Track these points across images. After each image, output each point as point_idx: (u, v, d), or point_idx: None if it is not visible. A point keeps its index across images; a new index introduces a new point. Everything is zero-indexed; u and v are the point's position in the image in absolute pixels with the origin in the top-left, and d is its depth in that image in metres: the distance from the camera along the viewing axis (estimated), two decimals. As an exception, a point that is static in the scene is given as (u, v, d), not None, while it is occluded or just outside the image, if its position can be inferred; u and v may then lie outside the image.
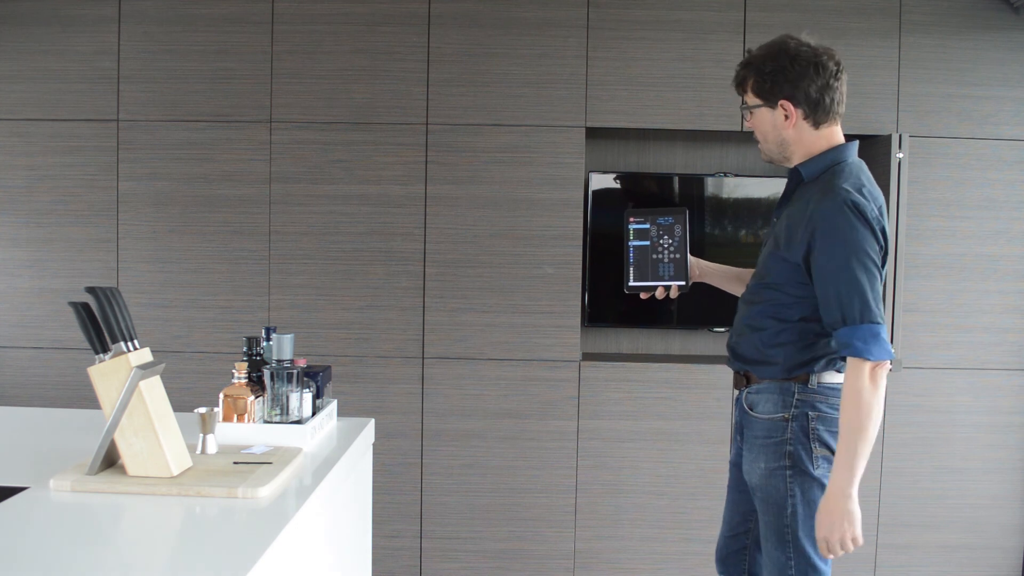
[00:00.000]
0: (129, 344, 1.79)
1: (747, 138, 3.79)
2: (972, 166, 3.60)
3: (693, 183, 3.76)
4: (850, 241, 1.98)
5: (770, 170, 3.82)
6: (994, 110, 3.60)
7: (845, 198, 1.99)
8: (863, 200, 2.00)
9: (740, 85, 2.17)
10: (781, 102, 2.09)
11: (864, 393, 1.96)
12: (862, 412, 1.96)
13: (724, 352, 3.80)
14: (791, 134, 2.12)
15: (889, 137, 3.49)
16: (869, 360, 1.96)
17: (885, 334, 1.99)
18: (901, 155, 3.47)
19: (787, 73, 2.07)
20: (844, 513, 1.97)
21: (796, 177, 2.16)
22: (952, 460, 3.65)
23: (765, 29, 3.55)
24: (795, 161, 2.16)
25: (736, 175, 3.76)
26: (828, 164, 2.11)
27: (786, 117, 2.10)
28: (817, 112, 2.09)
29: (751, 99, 2.15)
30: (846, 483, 1.97)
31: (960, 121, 3.60)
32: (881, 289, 2.02)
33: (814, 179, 2.11)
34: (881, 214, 2.04)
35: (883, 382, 1.98)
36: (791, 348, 2.10)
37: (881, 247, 2.02)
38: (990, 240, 3.62)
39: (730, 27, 3.58)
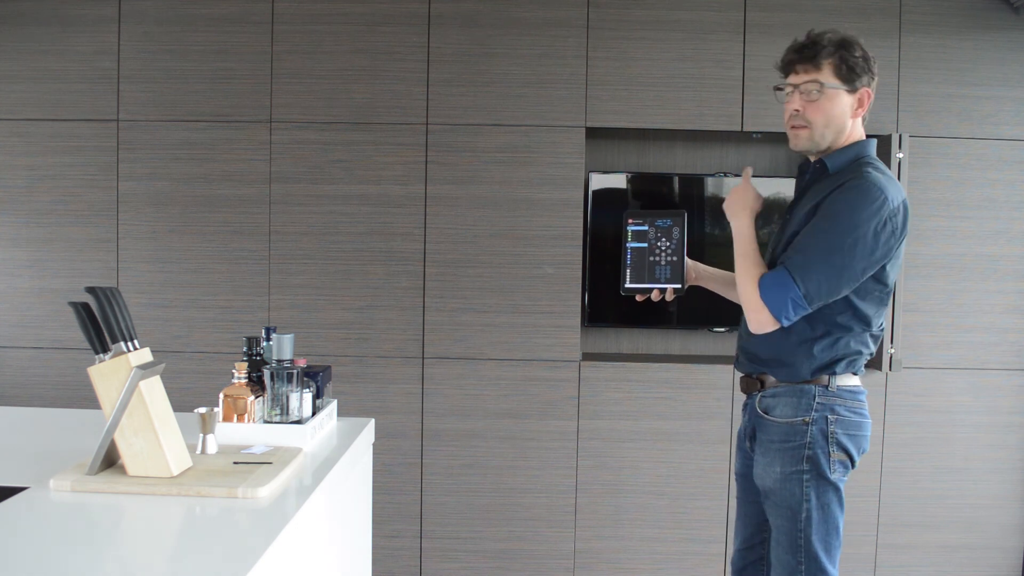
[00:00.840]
0: (129, 344, 1.79)
1: (747, 138, 3.79)
2: (972, 166, 3.60)
3: (693, 183, 3.76)
4: (848, 216, 1.98)
5: (769, 170, 3.82)
6: (994, 110, 3.60)
7: (873, 183, 2.00)
8: (890, 190, 2.01)
9: (812, 60, 2.09)
10: (865, 90, 2.11)
11: (742, 290, 2.08)
12: (737, 281, 2.12)
13: (724, 352, 3.84)
14: (850, 123, 2.13)
15: (889, 137, 3.49)
16: (759, 295, 2.02)
17: (793, 302, 2.00)
18: (901, 155, 3.47)
19: (870, 64, 2.12)
20: (743, 203, 2.19)
21: (818, 171, 2.15)
22: (952, 460, 3.64)
23: (765, 29, 3.56)
24: (827, 151, 2.15)
25: (736, 175, 3.76)
26: (853, 157, 2.12)
27: (859, 106, 2.12)
28: (870, 109, 2.16)
29: (828, 79, 2.09)
30: (738, 226, 2.17)
31: (960, 121, 3.59)
32: (838, 283, 2.01)
33: (839, 171, 2.11)
34: (903, 208, 2.04)
35: (750, 316, 2.07)
36: (816, 347, 2.09)
37: (894, 242, 2.03)
38: (990, 240, 3.62)
39: (730, 27, 3.58)
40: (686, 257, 2.25)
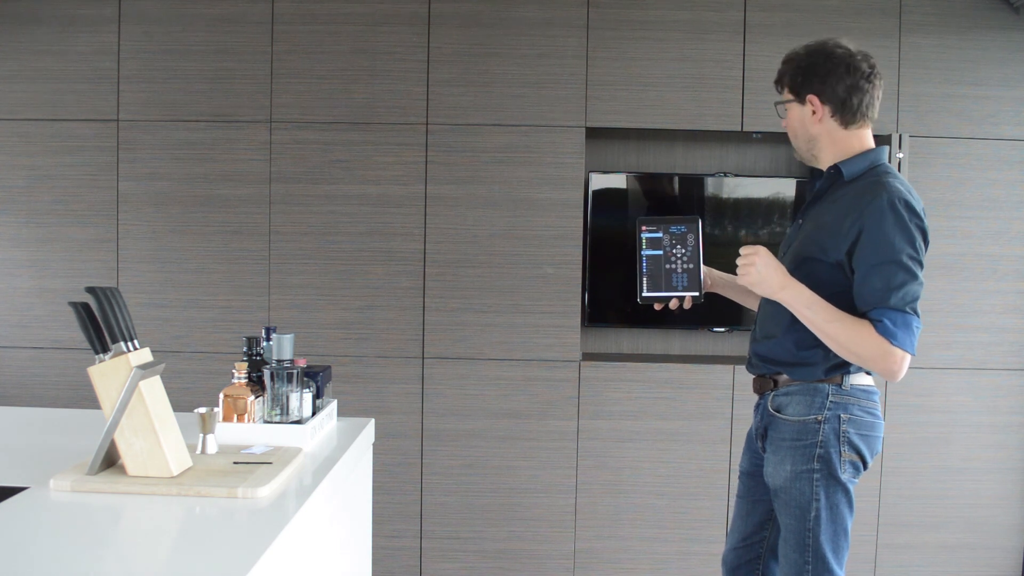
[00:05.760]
0: (129, 344, 1.79)
1: (747, 138, 3.79)
2: (972, 166, 3.60)
3: (693, 183, 3.76)
4: (899, 239, 1.99)
5: (770, 170, 3.82)
6: (994, 110, 3.60)
7: (899, 196, 2.01)
8: (913, 200, 2.03)
9: (779, 82, 2.19)
10: (809, 97, 2.12)
11: (866, 351, 1.98)
12: (844, 346, 2.01)
13: (724, 352, 3.85)
14: (818, 130, 2.14)
15: (889, 137, 3.49)
16: (892, 344, 1.96)
17: (916, 329, 1.99)
18: (901, 155, 3.47)
19: (818, 69, 2.11)
20: (779, 275, 2.04)
21: (834, 176, 2.15)
22: (952, 460, 3.64)
23: (765, 29, 3.56)
24: (825, 160, 2.16)
25: (736, 175, 3.76)
26: (869, 164, 2.12)
27: (813, 112, 2.13)
28: (844, 111, 2.11)
29: (785, 95, 2.18)
30: (794, 297, 2.03)
31: (960, 121, 3.59)
32: (922, 291, 2.03)
33: (855, 178, 2.12)
34: (924, 215, 2.06)
35: (892, 369, 1.97)
36: (829, 348, 2.08)
37: (925, 246, 2.05)
38: (990, 240, 3.62)
39: (730, 27, 3.58)
40: (702, 264, 2.19)
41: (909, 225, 2.00)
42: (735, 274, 2.15)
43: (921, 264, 2.01)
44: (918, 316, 2.00)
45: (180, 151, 3.61)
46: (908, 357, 1.99)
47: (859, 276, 2.02)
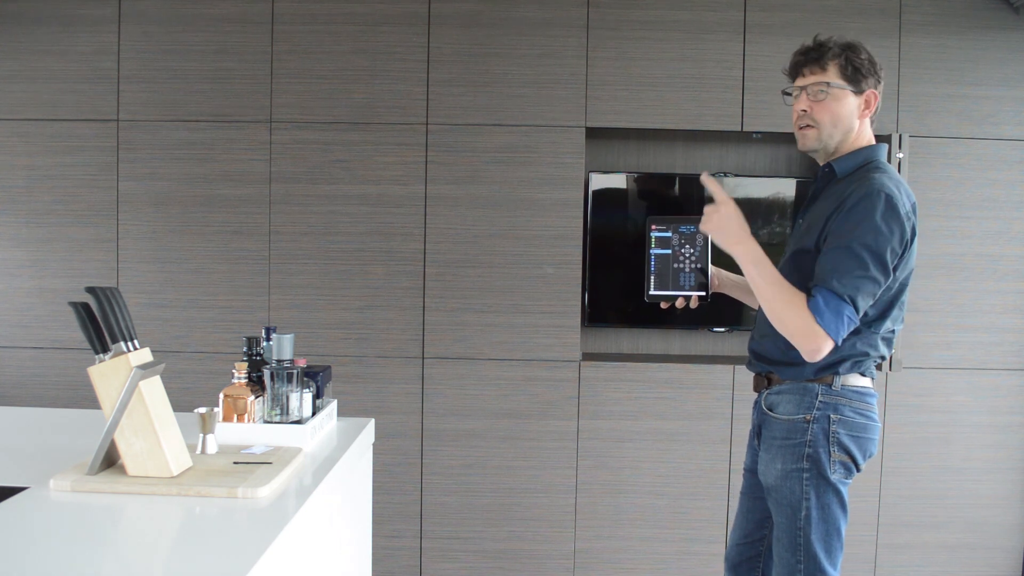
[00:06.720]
0: (129, 344, 1.79)
1: (747, 138, 3.79)
2: (972, 166, 3.60)
3: (693, 183, 3.76)
4: (863, 228, 1.98)
5: (769, 170, 3.82)
6: (994, 110, 3.60)
7: (880, 188, 2.01)
8: (897, 194, 2.02)
9: (818, 61, 2.11)
10: (871, 91, 2.13)
11: (791, 323, 1.99)
12: (776, 312, 2.02)
13: (724, 352, 3.85)
14: (858, 124, 2.14)
15: (889, 137, 3.49)
16: (817, 322, 1.96)
17: (848, 319, 1.98)
18: (901, 155, 3.47)
19: (875, 66, 2.13)
20: (738, 228, 2.06)
21: (828, 176, 2.16)
22: (952, 460, 3.64)
23: (765, 29, 3.56)
24: (836, 154, 2.16)
25: (736, 175, 3.76)
26: (862, 162, 2.13)
27: (865, 107, 2.13)
28: (878, 110, 2.16)
29: (835, 79, 2.11)
30: (747, 251, 2.05)
31: (960, 121, 3.59)
32: (878, 289, 2.01)
33: (847, 175, 2.12)
34: (913, 211, 2.05)
35: (809, 347, 1.99)
36: None
37: (904, 243, 2.03)
38: (990, 240, 3.62)
39: (730, 27, 3.58)
40: (710, 264, 2.21)
41: (877, 220, 1.98)
42: (740, 273, 2.16)
43: (881, 260, 1.98)
44: (854, 307, 1.98)
45: (180, 151, 3.61)
46: (829, 341, 1.98)
47: (820, 255, 2.04)
